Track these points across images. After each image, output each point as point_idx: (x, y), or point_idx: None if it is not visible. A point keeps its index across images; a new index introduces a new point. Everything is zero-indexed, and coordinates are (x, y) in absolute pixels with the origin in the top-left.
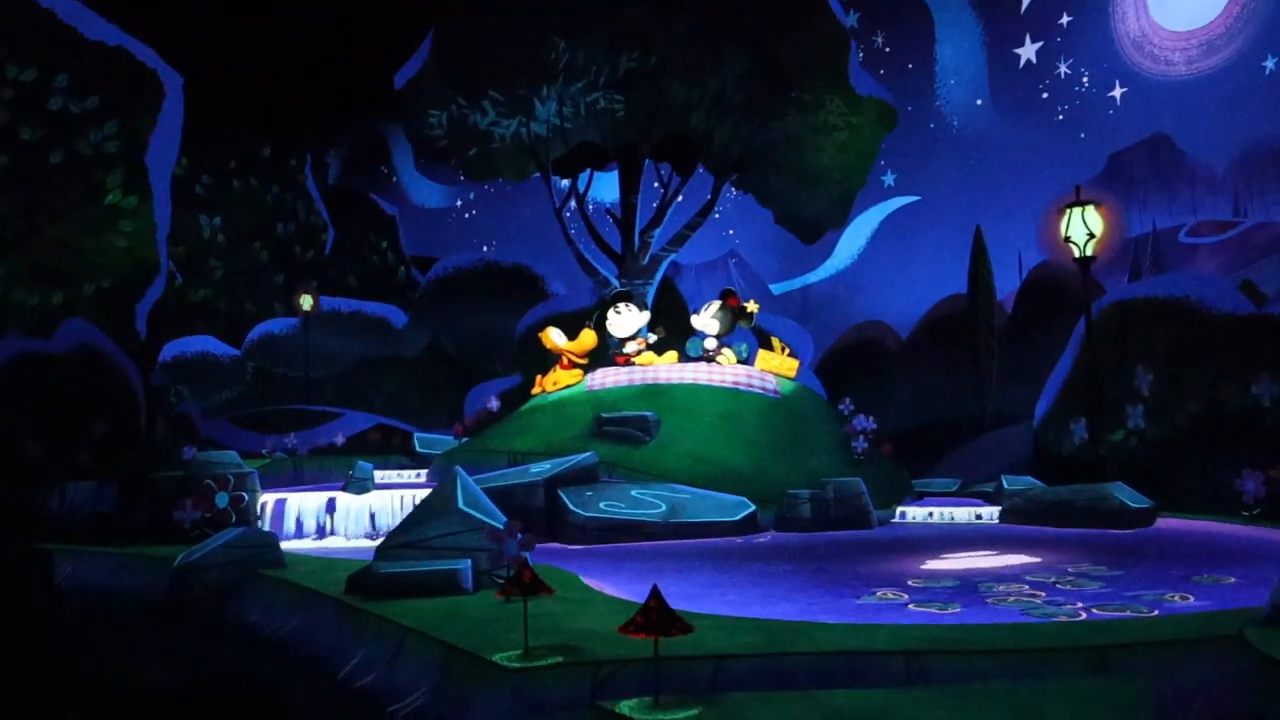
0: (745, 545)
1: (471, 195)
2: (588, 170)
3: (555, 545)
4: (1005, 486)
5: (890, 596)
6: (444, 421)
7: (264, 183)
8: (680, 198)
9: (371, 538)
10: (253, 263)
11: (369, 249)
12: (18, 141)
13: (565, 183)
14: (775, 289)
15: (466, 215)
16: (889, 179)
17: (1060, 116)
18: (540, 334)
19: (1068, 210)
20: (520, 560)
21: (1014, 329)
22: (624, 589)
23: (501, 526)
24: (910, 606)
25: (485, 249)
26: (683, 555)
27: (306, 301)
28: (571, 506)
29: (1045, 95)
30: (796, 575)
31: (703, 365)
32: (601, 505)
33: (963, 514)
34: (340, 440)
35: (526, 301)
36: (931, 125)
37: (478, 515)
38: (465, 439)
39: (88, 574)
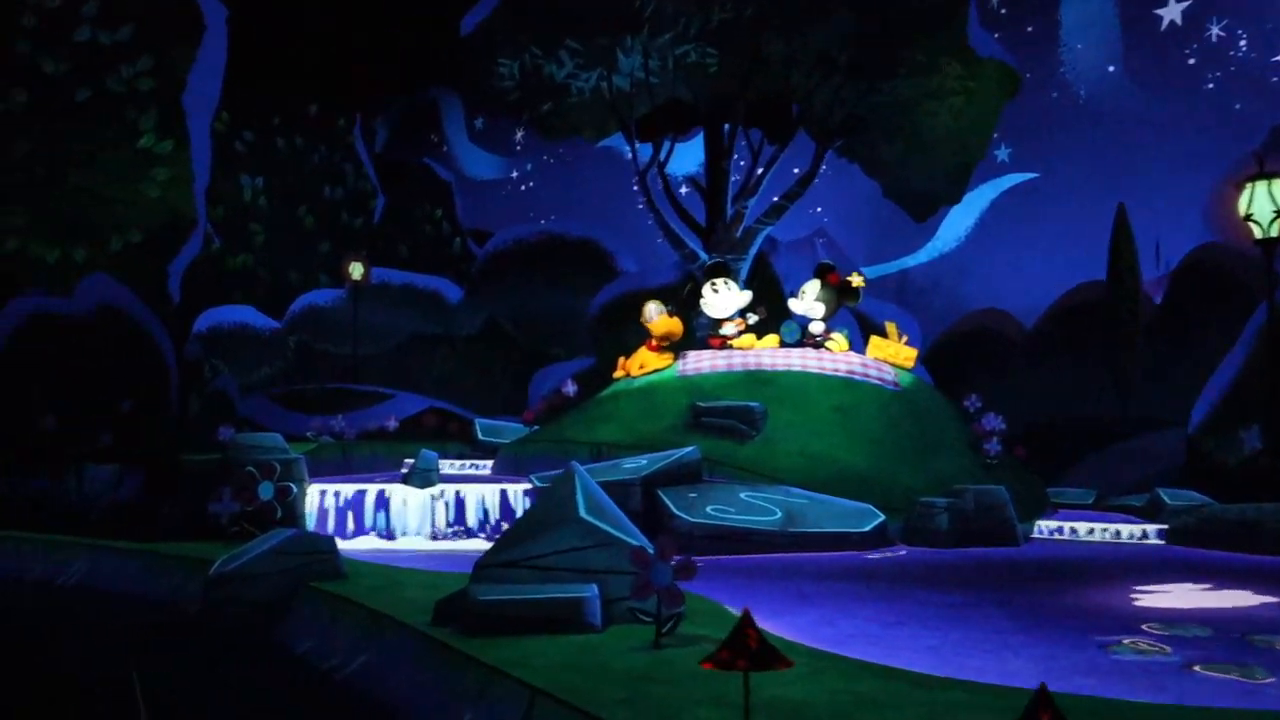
0: (884, 564)
1: (529, 167)
2: (668, 138)
3: None
4: (1167, 501)
5: (1146, 649)
6: (499, 406)
7: (310, 143)
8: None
9: (444, 538)
10: (297, 228)
11: (422, 218)
12: (40, 76)
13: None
14: (868, 271)
15: (523, 188)
16: (1003, 153)
17: (1210, 85)
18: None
19: (1250, 184)
20: (675, 593)
21: (1162, 321)
22: (788, 626)
23: (649, 547)
24: (1197, 669)
25: (543, 223)
26: (815, 575)
27: (357, 270)
28: (675, 510)
29: (1192, 61)
30: (983, 609)
31: (811, 351)
32: (709, 509)
33: (1126, 532)
34: (392, 424)
35: (594, 279)
36: (1054, 95)
37: (606, 528)
38: (535, 427)
39: (106, 574)
